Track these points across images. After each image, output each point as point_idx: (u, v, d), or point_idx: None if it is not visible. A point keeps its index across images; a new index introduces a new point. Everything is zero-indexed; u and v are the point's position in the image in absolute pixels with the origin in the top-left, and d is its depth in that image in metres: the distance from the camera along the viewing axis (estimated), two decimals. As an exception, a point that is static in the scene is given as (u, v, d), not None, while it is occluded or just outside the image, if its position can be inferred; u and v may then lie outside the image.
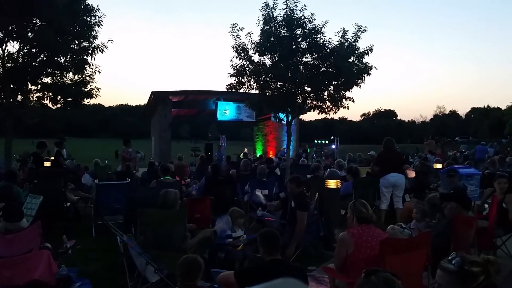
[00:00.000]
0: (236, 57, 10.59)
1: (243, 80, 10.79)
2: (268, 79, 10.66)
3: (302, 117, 26.37)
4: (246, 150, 24.06)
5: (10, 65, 9.52)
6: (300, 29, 10.15)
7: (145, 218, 4.58)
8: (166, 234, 4.55)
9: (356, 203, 3.68)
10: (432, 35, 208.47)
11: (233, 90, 11.18)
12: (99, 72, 10.43)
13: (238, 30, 10.39)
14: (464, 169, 8.71)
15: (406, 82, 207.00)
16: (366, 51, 10.30)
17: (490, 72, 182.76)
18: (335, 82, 10.48)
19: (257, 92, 11.19)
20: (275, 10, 10.13)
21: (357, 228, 3.54)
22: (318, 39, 10.23)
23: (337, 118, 78.57)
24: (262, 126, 24.01)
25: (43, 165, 9.87)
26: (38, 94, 10.22)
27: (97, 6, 9.92)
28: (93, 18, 9.90)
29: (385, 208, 7.18)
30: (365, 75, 10.35)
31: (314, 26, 10.18)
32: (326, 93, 10.70)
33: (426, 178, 7.98)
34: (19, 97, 9.94)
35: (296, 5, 10.03)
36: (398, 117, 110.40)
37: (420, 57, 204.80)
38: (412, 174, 9.06)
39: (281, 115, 11.41)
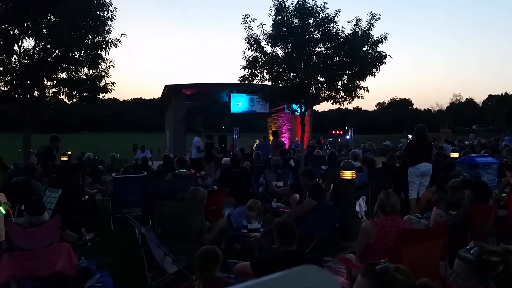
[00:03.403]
0: (249, 49, 10.55)
1: (255, 71, 10.75)
2: (281, 70, 10.60)
3: (316, 107, 26.20)
4: (257, 141, 24.04)
5: (26, 61, 9.66)
6: (312, 19, 10.05)
7: (163, 211, 4.64)
8: (183, 226, 4.60)
9: (381, 193, 3.64)
10: (447, 22, 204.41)
11: (246, 82, 11.16)
12: (113, 67, 10.50)
13: (250, 21, 10.33)
14: (482, 158, 8.59)
15: (421, 70, 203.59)
16: (380, 40, 10.16)
17: (508, 58, 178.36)
18: (349, 72, 10.36)
19: (270, 83, 11.15)
20: (287, -1, 10.05)
21: (381, 218, 3.54)
22: (331, 28, 10.11)
23: (351, 108, 77.65)
24: (276, 118, 23.95)
25: (54, 159, 9.98)
26: (54, 89, 10.35)
27: (110, 0, 9.96)
28: (105, 12, 9.94)
29: (415, 197, 7.10)
30: (379, 64, 10.21)
31: (327, 15, 10.07)
32: (340, 83, 10.59)
33: (442, 168, 7.88)
34: (35, 93, 10.10)
35: (308, -6, 9.92)
36: (414, 106, 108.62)
37: (435, 44, 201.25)
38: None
39: (295, 106, 11.35)
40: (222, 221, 5.05)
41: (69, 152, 12.34)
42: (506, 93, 76.98)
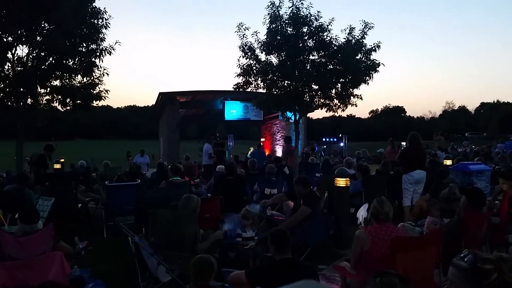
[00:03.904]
0: (243, 57, 10.59)
1: (250, 79, 10.79)
2: (275, 78, 10.65)
3: (310, 115, 26.28)
4: (252, 149, 24.03)
5: (19, 69, 9.63)
6: (306, 27, 10.12)
7: (157, 219, 4.62)
8: (177, 234, 4.58)
9: (374, 201, 3.64)
10: (440, 30, 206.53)
11: (241, 90, 11.19)
12: (107, 74, 10.50)
13: (245, 30, 10.39)
14: (475, 165, 8.64)
15: (414, 78, 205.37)
16: (373, 48, 10.24)
17: (500, 66, 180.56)
18: (343, 80, 10.43)
19: (264, 91, 11.18)
20: (281, 8, 10.11)
21: (374, 226, 3.53)
22: (325, 36, 10.19)
23: (345, 116, 78.16)
24: (270, 125, 23.99)
25: (46, 167, 9.91)
26: (47, 97, 10.32)
27: (104, 8, 9.98)
28: (100, 20, 9.95)
29: (409, 204, 7.12)
30: (372, 72, 10.28)
31: (320, 23, 10.14)
32: (333, 91, 10.65)
33: (435, 175, 7.91)
34: (29, 101, 10.06)
35: (302, 3, 10.01)
36: (407, 114, 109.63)
37: (428, 52, 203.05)
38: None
39: (289, 114, 11.38)
40: (219, 233, 5.03)
41: (62, 160, 12.24)
42: (498, 100, 77.97)
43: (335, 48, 10.20)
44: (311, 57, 10.48)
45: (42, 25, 9.52)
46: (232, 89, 11.52)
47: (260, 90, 11.26)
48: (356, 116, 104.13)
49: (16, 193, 6.42)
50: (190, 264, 3.02)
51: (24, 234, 4.05)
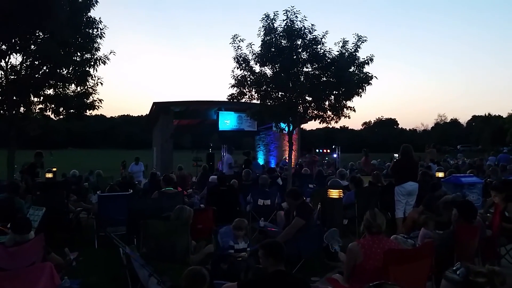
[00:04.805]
0: (237, 68, 10.62)
1: (244, 90, 10.81)
2: (269, 89, 10.68)
3: (303, 126, 26.35)
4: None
5: (13, 77, 9.58)
6: (300, 40, 10.20)
7: (148, 230, 4.59)
8: (169, 245, 4.54)
9: (367, 213, 3.64)
10: (432, 44, 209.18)
11: (235, 100, 11.21)
12: (101, 84, 10.49)
13: (239, 41, 10.43)
14: (466, 177, 8.70)
15: (407, 90, 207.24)
16: (366, 61, 10.33)
17: (491, 80, 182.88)
18: (336, 92, 10.48)
19: (258, 102, 11.21)
20: (275, 21, 10.19)
21: (367, 239, 3.53)
22: (319, 49, 10.26)
23: (338, 127, 78.55)
24: (264, 136, 24.02)
25: (35, 175, 9.84)
26: (40, 105, 10.28)
27: (99, 18, 10.00)
28: (95, 30, 9.96)
29: (401, 216, 7.13)
30: (365, 85, 10.36)
31: (314, 36, 10.22)
32: (327, 103, 10.69)
33: (428, 187, 7.94)
34: (21, 109, 10.00)
35: (296, 16, 10.08)
36: (399, 126, 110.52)
37: (420, 66, 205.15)
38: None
39: (283, 125, 11.41)
40: (211, 247, 5.00)
41: (54, 169, 12.14)
42: (489, 114, 78.95)
43: (328, 60, 10.27)
44: (305, 69, 10.54)
45: (37, 34, 9.50)
46: (226, 100, 11.53)
47: (254, 101, 11.30)
48: (349, 128, 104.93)
49: (7, 203, 6.35)
50: (181, 276, 3.00)
51: (15, 244, 4.00)
